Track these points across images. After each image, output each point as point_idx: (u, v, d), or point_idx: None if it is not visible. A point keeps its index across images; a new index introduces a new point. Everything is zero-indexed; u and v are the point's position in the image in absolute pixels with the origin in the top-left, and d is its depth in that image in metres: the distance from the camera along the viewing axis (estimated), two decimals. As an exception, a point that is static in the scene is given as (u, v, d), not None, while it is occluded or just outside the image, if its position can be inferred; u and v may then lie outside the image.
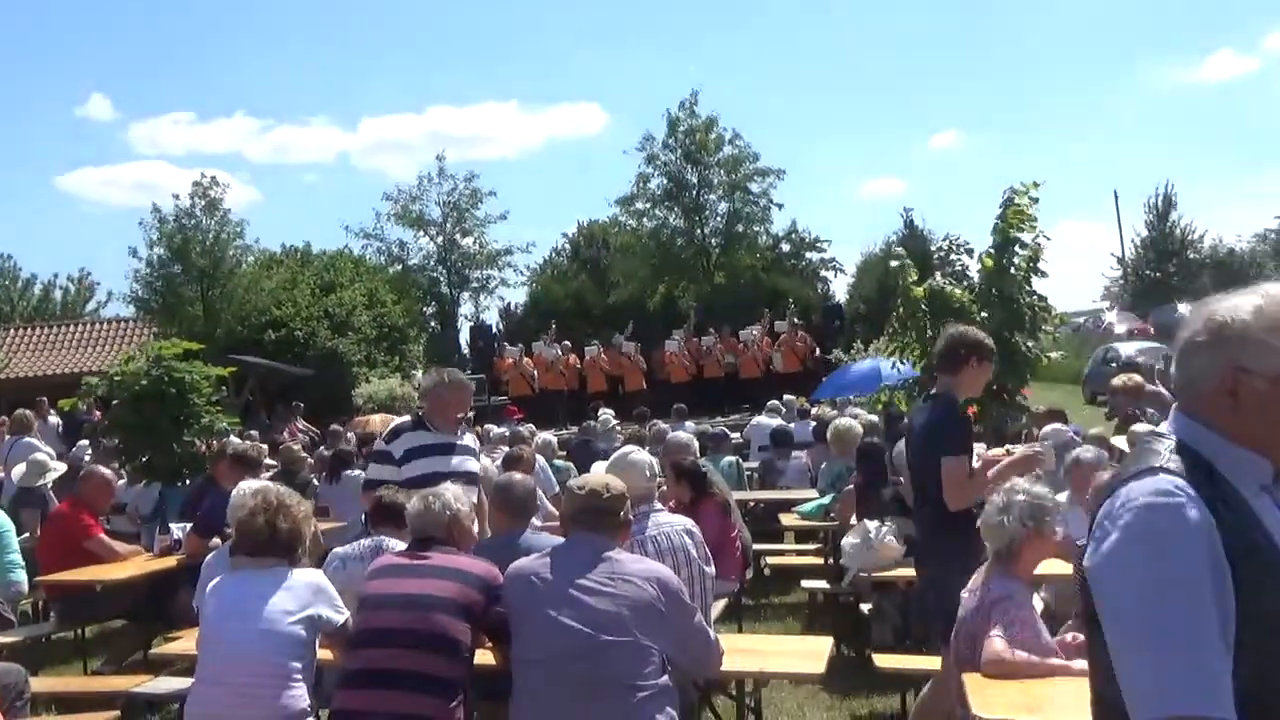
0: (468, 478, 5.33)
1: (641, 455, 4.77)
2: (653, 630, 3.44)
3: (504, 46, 71.04)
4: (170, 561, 7.05)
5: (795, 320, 23.82)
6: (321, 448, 12.98)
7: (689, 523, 4.62)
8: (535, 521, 5.25)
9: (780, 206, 32.94)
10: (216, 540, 6.39)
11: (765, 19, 70.61)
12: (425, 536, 3.91)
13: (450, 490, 4.11)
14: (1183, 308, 35.37)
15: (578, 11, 71.93)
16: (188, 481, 9.40)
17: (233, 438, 10.05)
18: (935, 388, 4.73)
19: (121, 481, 10.15)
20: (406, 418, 5.82)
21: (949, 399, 4.60)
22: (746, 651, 4.17)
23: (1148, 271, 46.06)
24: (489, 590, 3.70)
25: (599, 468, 5.36)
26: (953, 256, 11.05)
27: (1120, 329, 33.65)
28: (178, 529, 7.19)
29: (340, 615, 3.82)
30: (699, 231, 32.35)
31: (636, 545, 4.16)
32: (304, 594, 3.77)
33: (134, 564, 7.19)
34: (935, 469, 4.34)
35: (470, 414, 17.02)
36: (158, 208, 26.48)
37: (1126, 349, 23.83)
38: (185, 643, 4.87)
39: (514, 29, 71.64)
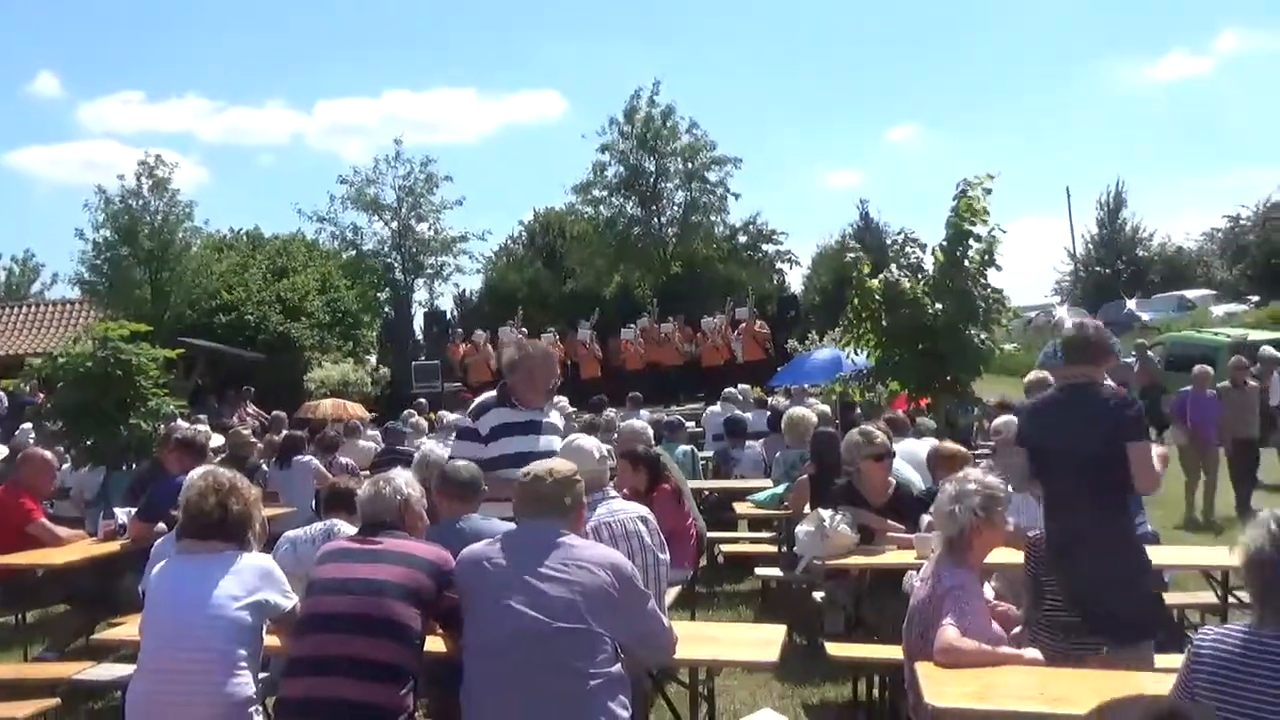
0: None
1: (590, 440, 4.77)
2: (606, 617, 3.42)
3: (464, 32, 70.89)
4: (114, 546, 6.92)
5: (754, 309, 23.89)
6: (269, 433, 12.81)
7: (643, 510, 4.60)
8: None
9: (737, 196, 32.94)
10: (162, 525, 6.27)
11: (726, 9, 70.70)
12: (376, 521, 3.85)
13: (402, 475, 4.05)
14: (1131, 304, 36.12)
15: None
16: (133, 466, 9.23)
17: (180, 422, 9.88)
18: (1070, 377, 4.53)
19: (65, 465, 9.98)
20: (491, 393, 5.38)
21: (1109, 388, 4.59)
22: (700, 639, 4.15)
23: (1098, 268, 46.67)
24: (440, 576, 3.65)
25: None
26: (907, 249, 11.11)
27: (1070, 324, 34.00)
28: (123, 514, 7.05)
29: (289, 601, 3.75)
30: (656, 220, 32.27)
31: (590, 531, 4.13)
32: (252, 579, 3.69)
33: (77, 549, 7.03)
34: (1115, 455, 4.16)
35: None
36: (103, 188, 25.93)
37: (1075, 343, 24.02)
38: (129, 629, 4.77)
39: (475, 15, 71.45)
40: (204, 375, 22.74)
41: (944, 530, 4.07)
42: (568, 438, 5.04)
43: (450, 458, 5.04)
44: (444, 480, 4.35)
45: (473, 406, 5.43)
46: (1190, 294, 36.33)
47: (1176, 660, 4.74)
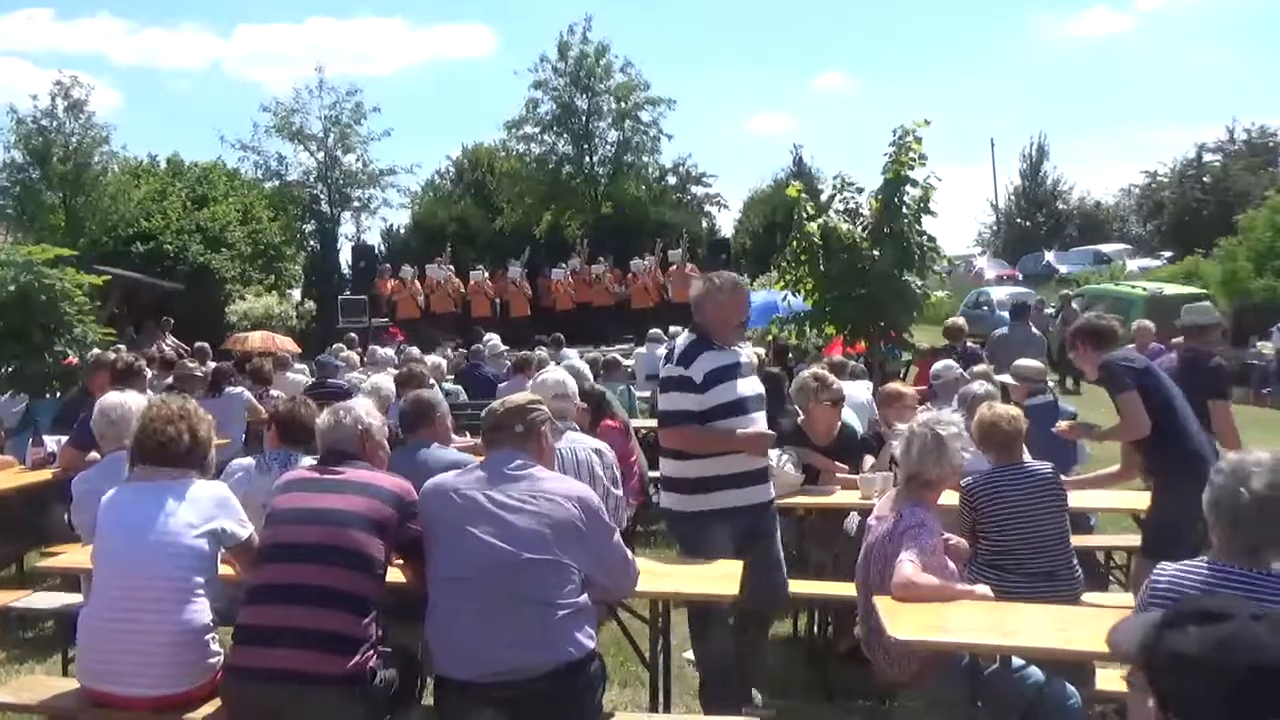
0: (760, 402, 4.72)
1: (554, 374, 4.77)
2: (572, 548, 3.43)
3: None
4: (41, 475, 6.71)
5: (686, 251, 23.89)
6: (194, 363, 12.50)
7: (600, 444, 4.61)
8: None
9: (670, 137, 32.79)
10: (95, 454, 6.12)
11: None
12: (337, 450, 3.79)
13: (362, 404, 3.99)
14: (1050, 256, 36.94)
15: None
16: (58, 394, 8.97)
17: (101, 351, 9.60)
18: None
19: (-17, 392, 9.67)
20: (680, 333, 4.77)
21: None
22: (660, 574, 4.19)
23: (1019, 220, 47.53)
24: (403, 506, 3.61)
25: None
26: (845, 194, 11.18)
27: (990, 274, 34.78)
28: (52, 441, 6.85)
29: (245, 529, 3.69)
30: (587, 160, 32.00)
31: None
32: (207, 506, 3.62)
33: (3, 477, 6.83)
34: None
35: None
36: (14, 108, 24.91)
37: (997, 294, 24.63)
38: (64, 559, 4.68)
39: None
40: (121, 305, 22.12)
41: (904, 468, 4.17)
42: (542, 372, 5.02)
43: (668, 414, 4.57)
44: (401, 409, 4.31)
45: (678, 351, 4.66)
46: (1106, 248, 37.27)
47: (1100, 598, 4.99)
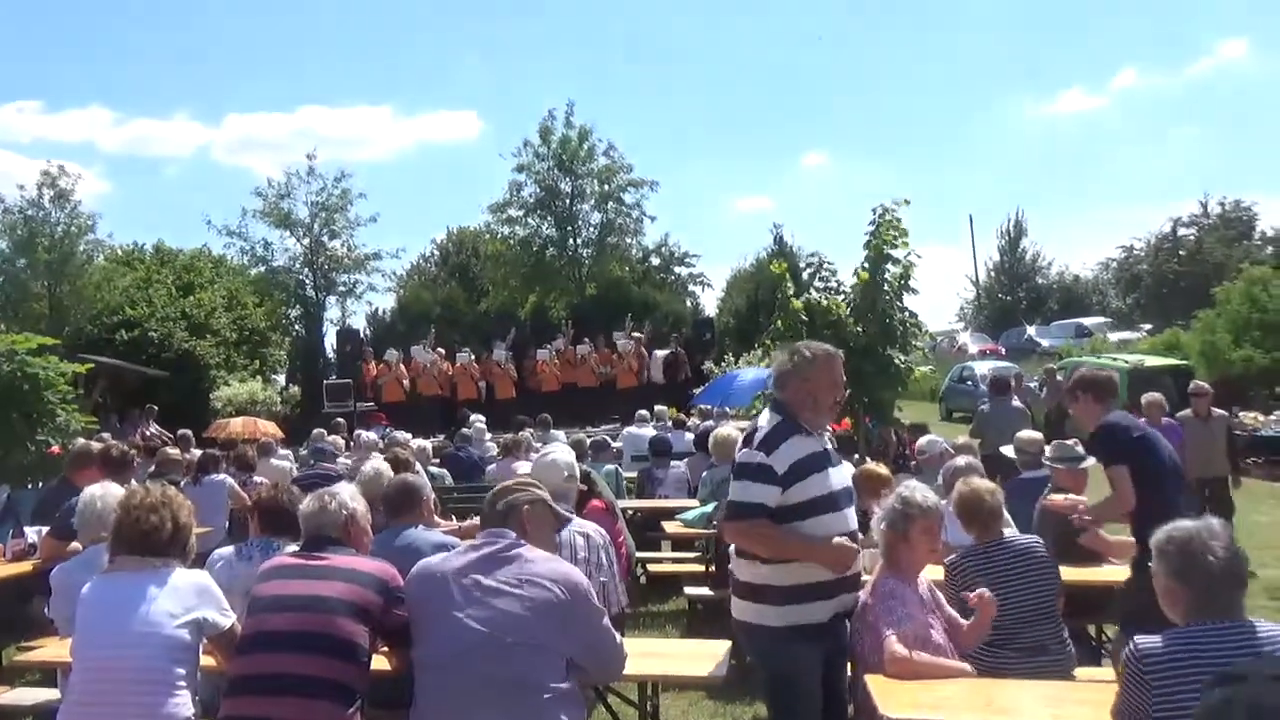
0: (850, 497, 4.12)
1: (562, 455, 4.74)
2: (559, 633, 3.40)
3: (382, 51, 70.23)
4: (21, 567, 6.64)
5: (648, 332, 24.09)
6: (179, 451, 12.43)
7: (589, 526, 4.59)
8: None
9: (653, 219, 33.14)
10: (76, 545, 6.05)
11: (643, 37, 71.46)
12: (321, 536, 3.76)
13: (346, 489, 3.98)
14: (1031, 330, 37.26)
15: (459, 20, 71.46)
16: (39, 484, 8.90)
17: (85, 440, 9.54)
18: None
19: (-38, 483, 9.57)
20: (765, 415, 4.04)
21: None
22: (645, 655, 4.15)
23: (1000, 295, 48.04)
24: (387, 592, 3.58)
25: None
26: (824, 272, 11.32)
27: (973, 349, 35.04)
28: (32, 532, 6.78)
29: (227, 618, 3.65)
30: (571, 241, 32.25)
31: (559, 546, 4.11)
32: (188, 595, 3.59)
33: (-19, 570, 6.74)
34: None
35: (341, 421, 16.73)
36: (1, 198, 25.09)
37: (980, 368, 24.77)
38: (43, 652, 4.62)
39: (393, 34, 70.79)
40: (105, 393, 22.04)
41: (879, 541, 4.20)
42: (542, 450, 4.97)
43: (739, 505, 3.91)
44: (387, 492, 4.30)
45: (759, 435, 3.97)
46: (1087, 321, 37.64)
47: (1094, 673, 4.95)
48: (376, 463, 6.35)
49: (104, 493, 5.17)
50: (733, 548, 4.14)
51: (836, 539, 3.88)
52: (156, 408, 19.72)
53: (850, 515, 4.03)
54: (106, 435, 13.53)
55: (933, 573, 4.45)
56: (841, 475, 4.06)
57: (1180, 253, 42.85)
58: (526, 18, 71.74)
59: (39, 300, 24.62)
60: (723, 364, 22.80)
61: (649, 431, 13.56)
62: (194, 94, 68.33)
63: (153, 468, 8.94)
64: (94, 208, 28.61)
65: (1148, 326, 34.96)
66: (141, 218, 75.53)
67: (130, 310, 25.61)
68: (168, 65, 67.16)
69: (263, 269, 31.45)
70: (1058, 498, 5.62)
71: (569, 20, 72.88)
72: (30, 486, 8.86)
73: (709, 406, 16.37)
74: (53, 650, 4.41)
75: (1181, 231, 44.24)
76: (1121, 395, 13.25)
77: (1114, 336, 33.37)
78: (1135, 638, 2.92)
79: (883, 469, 6.66)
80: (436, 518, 6.45)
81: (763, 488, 3.85)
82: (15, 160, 65.67)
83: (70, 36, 67.19)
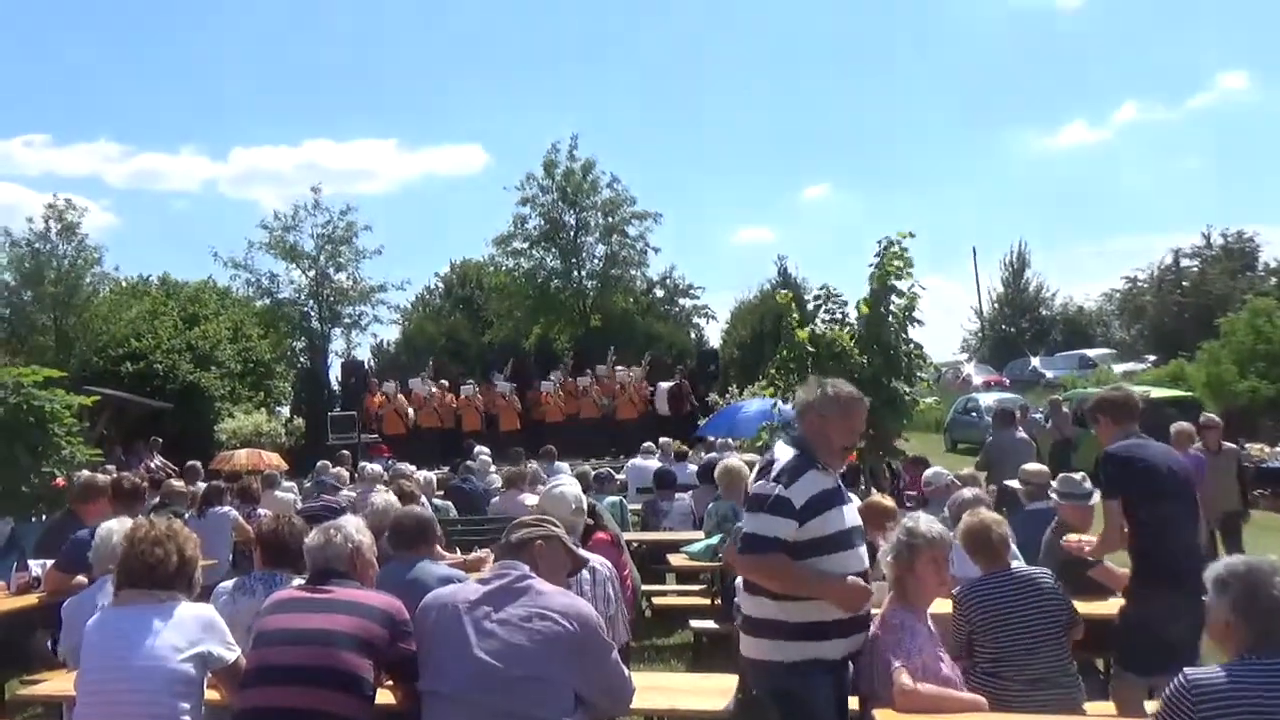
0: (861, 534, 4.07)
1: (570, 488, 4.74)
2: (567, 666, 3.39)
3: (387, 85, 70.76)
4: (25, 600, 6.61)
5: (646, 366, 24.14)
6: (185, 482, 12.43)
7: (595, 558, 4.57)
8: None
9: (657, 251, 33.27)
10: (82, 578, 6.04)
11: (645, 71, 71.95)
12: (326, 569, 3.75)
13: (351, 522, 3.97)
14: (1035, 361, 37.24)
15: (463, 54, 72.04)
16: (43, 517, 8.89)
17: (90, 471, 9.54)
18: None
19: (-35, 516, 9.56)
20: (781, 447, 4.00)
21: None
22: (652, 689, 4.12)
23: (1004, 326, 48.06)
24: (393, 625, 3.56)
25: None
26: (831, 305, 11.33)
27: (978, 380, 35.00)
28: (37, 565, 6.76)
29: (232, 652, 3.64)
30: (575, 273, 32.34)
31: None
32: (193, 629, 3.58)
33: (-14, 602, 6.72)
34: None
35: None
36: (7, 231, 25.25)
37: (985, 400, 24.75)
38: (46, 686, 4.60)
39: (399, 68, 71.38)
40: (110, 425, 22.05)
41: (886, 575, 4.19)
42: (551, 482, 4.97)
43: (754, 537, 3.80)
44: (395, 525, 4.30)
45: (777, 467, 3.89)
46: (1091, 352, 37.61)
47: (1103, 707, 4.91)
48: (386, 495, 6.35)
49: (120, 526, 5.15)
50: (740, 582, 4.10)
51: (850, 578, 3.84)
52: (161, 440, 19.73)
53: (863, 553, 3.99)
54: (111, 467, 13.56)
55: (941, 606, 4.41)
56: (854, 513, 4.00)
57: (1184, 284, 42.90)
58: (530, 52, 72.34)
59: (45, 333, 24.69)
60: (727, 395, 22.81)
61: (654, 463, 13.54)
62: (201, 128, 68.77)
63: (157, 500, 8.92)
64: (101, 241, 28.68)
65: (1152, 358, 34.94)
66: (148, 251, 76.02)
67: (136, 342, 25.65)
68: (175, 99, 67.66)
69: (268, 301, 31.57)
70: (1073, 538, 5.53)
71: (572, 54, 73.55)
72: (34, 519, 8.84)
73: (713, 438, 16.36)
74: (56, 684, 4.39)
75: (1184, 263, 44.37)
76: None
77: (1118, 368, 33.32)
78: (1186, 669, 2.95)
79: (888, 501, 6.65)
80: (442, 550, 6.45)
81: (780, 521, 3.77)
82: (23, 193, 66.23)
83: (78, 71, 67.80)
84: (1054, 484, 6.37)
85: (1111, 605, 5.48)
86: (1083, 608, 4.77)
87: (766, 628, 3.88)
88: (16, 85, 62.83)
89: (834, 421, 3.93)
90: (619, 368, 23.75)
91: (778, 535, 3.75)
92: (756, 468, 3.96)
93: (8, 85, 63.90)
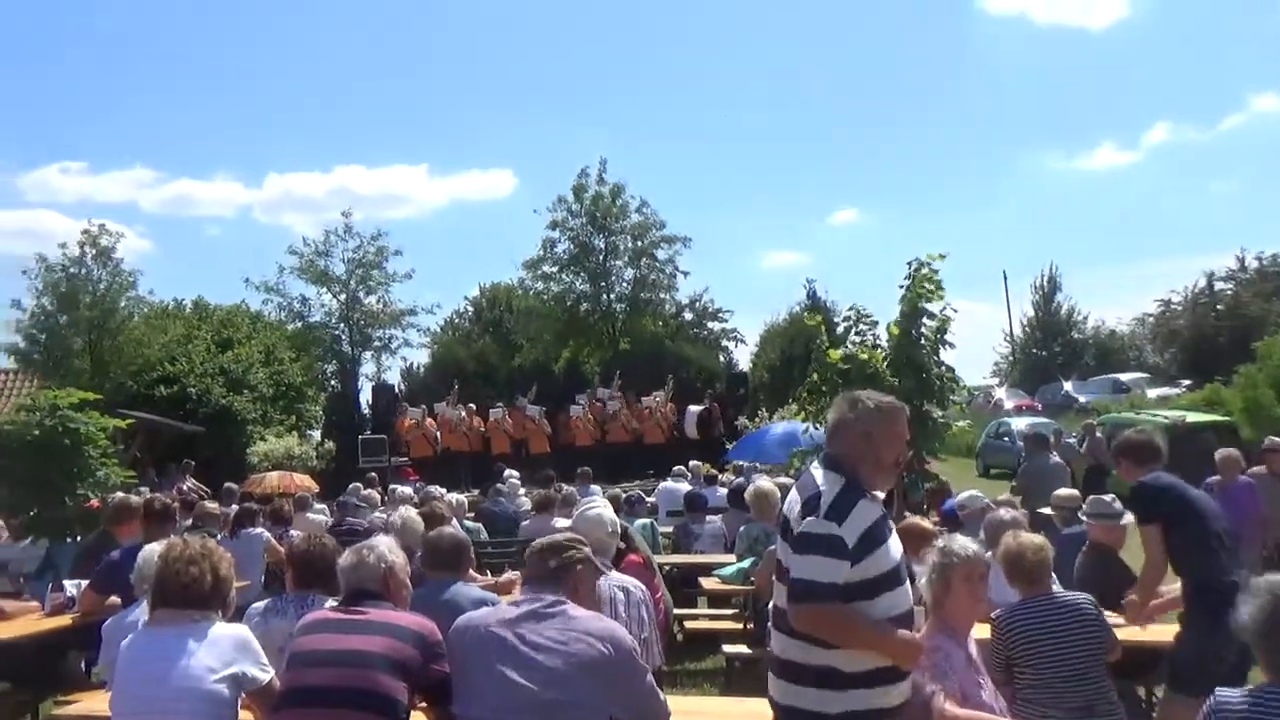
0: (908, 568, 3.60)
1: (605, 510, 4.73)
2: (602, 690, 3.35)
3: (418, 112, 71.19)
4: (60, 621, 6.64)
5: (704, 388, 24.12)
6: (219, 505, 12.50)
7: (628, 580, 4.55)
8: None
9: (686, 274, 33.32)
10: (116, 599, 6.07)
11: (675, 96, 72.22)
12: (360, 590, 3.74)
13: (384, 542, 3.96)
14: (1068, 386, 36.92)
15: (493, 81, 72.61)
16: (77, 538, 8.95)
17: (124, 494, 9.61)
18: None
19: (3, 537, 9.65)
20: (821, 474, 3.45)
21: None
22: (685, 714, 4.08)
23: (1035, 350, 47.71)
24: (426, 647, 3.54)
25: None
26: (862, 326, 11.28)
27: (1009, 405, 34.73)
28: (72, 586, 6.80)
29: (266, 673, 3.63)
30: (605, 297, 32.42)
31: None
32: (227, 650, 3.57)
33: (20, 624, 6.73)
34: None
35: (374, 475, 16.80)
36: (44, 256, 25.63)
37: (1017, 424, 24.54)
38: (81, 706, 4.60)
39: (431, 95, 72.00)
40: (143, 448, 22.25)
41: (925, 599, 4.13)
42: (584, 505, 4.96)
43: (805, 585, 3.30)
44: (428, 547, 4.28)
45: (826, 500, 3.36)
46: (1124, 377, 37.26)
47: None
48: (406, 511, 6.36)
49: (161, 548, 5.18)
50: (772, 617, 3.65)
51: (902, 633, 3.40)
52: (193, 462, 19.87)
53: (908, 589, 3.55)
54: (144, 490, 13.66)
55: (981, 630, 4.35)
56: (899, 543, 3.53)
57: (1218, 307, 42.45)
58: (560, 78, 72.82)
59: (80, 356, 24.98)
60: (756, 419, 22.76)
61: (684, 486, 13.50)
62: (235, 155, 69.54)
63: (190, 521, 8.97)
64: (136, 266, 28.95)
65: (1187, 382, 34.55)
66: (182, 276, 76.69)
67: (169, 366, 25.89)
68: (209, 127, 68.47)
69: (299, 324, 31.83)
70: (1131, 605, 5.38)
71: (602, 80, 74.01)
72: (69, 540, 8.91)
73: (742, 463, 16.30)
74: (90, 705, 4.39)
75: (1218, 286, 43.91)
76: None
77: (1153, 392, 32.99)
78: (1219, 688, 2.91)
79: (926, 524, 6.58)
80: (474, 572, 6.44)
81: (834, 563, 3.28)
82: (59, 220, 67.21)
83: (114, 99, 68.79)
84: (1084, 506, 6.33)
85: (1152, 633, 5.41)
86: (1121, 635, 4.70)
87: (810, 674, 3.38)
88: (53, 113, 63.97)
89: (881, 434, 3.47)
90: (645, 396, 23.74)
91: (834, 581, 3.28)
92: (801, 501, 3.45)
93: (44, 113, 65.10)
